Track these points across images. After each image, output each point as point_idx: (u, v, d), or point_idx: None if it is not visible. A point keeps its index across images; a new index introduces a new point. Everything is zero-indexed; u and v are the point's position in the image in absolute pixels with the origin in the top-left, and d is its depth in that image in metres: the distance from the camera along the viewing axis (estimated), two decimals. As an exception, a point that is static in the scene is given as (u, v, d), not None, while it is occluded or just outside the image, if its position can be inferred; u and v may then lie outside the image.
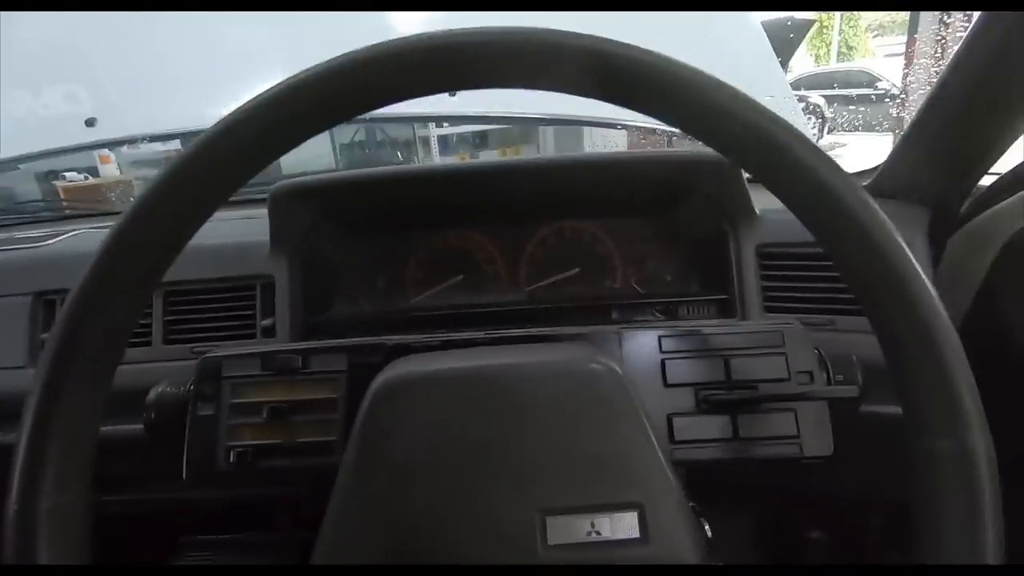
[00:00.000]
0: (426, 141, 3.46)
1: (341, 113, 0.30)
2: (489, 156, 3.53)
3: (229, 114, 0.29)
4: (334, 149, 3.06)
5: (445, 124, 3.34)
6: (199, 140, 0.29)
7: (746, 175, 0.70)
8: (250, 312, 0.75)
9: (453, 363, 0.40)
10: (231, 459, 0.50)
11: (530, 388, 0.38)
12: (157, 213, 0.30)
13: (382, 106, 0.31)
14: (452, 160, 3.14)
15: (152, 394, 0.55)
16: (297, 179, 0.72)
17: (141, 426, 0.63)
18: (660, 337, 0.52)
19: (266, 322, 0.74)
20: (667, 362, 0.51)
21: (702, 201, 0.74)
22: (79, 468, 0.31)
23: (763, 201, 0.73)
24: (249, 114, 0.29)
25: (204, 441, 0.51)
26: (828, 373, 0.52)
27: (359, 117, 0.30)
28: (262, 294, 0.75)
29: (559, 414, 0.37)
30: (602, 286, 0.85)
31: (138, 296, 0.32)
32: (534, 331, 0.55)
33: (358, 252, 0.85)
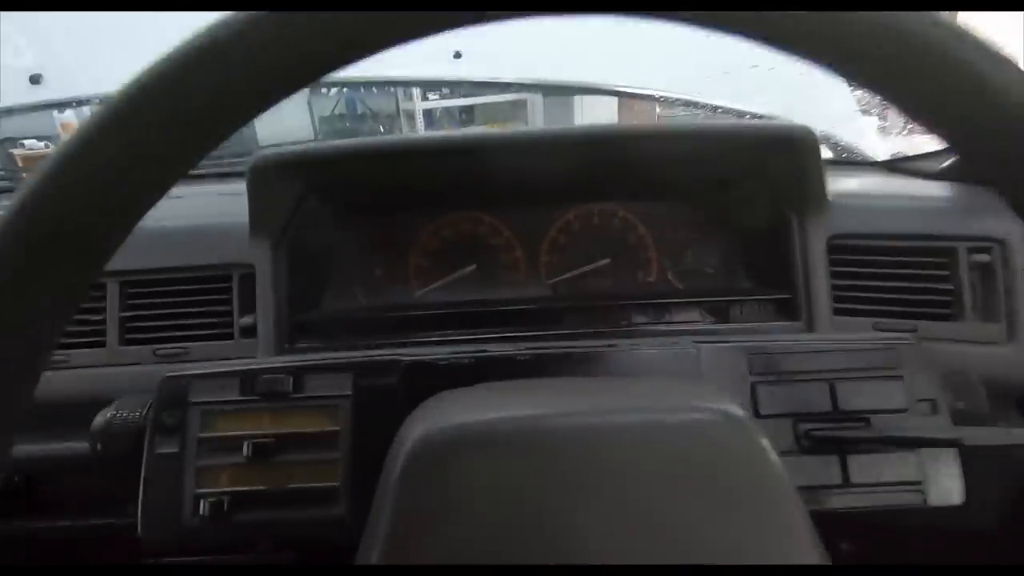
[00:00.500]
0: (411, 114, 3.28)
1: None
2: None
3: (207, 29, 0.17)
4: (313, 121, 2.89)
5: (432, 95, 3.18)
6: (156, 68, 0.18)
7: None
8: (226, 308, 0.63)
9: (517, 410, 0.29)
10: (201, 511, 0.39)
11: (630, 450, 0.27)
12: (90, 173, 0.18)
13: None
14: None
15: (99, 420, 0.43)
16: (282, 149, 0.59)
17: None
18: (749, 355, 0.41)
19: (245, 320, 0.62)
20: (758, 387, 0.41)
21: (762, 183, 0.63)
22: None
23: (832, 186, 0.62)
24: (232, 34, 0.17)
25: (165, 488, 0.39)
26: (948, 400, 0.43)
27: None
28: (240, 286, 0.62)
29: (673, 486, 0.27)
30: (634, 280, 0.74)
31: (59, 294, 0.20)
32: (586, 346, 0.45)
33: (353, 237, 0.73)
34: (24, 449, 0.61)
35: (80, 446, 0.59)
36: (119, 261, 0.62)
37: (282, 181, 0.61)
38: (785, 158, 0.59)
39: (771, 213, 0.63)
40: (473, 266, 0.74)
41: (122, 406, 0.44)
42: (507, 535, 0.26)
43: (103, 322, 0.62)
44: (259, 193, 0.60)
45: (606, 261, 0.74)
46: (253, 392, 0.41)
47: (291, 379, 0.41)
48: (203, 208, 0.70)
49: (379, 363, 0.42)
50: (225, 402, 0.41)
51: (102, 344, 0.62)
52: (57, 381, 0.61)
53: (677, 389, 0.33)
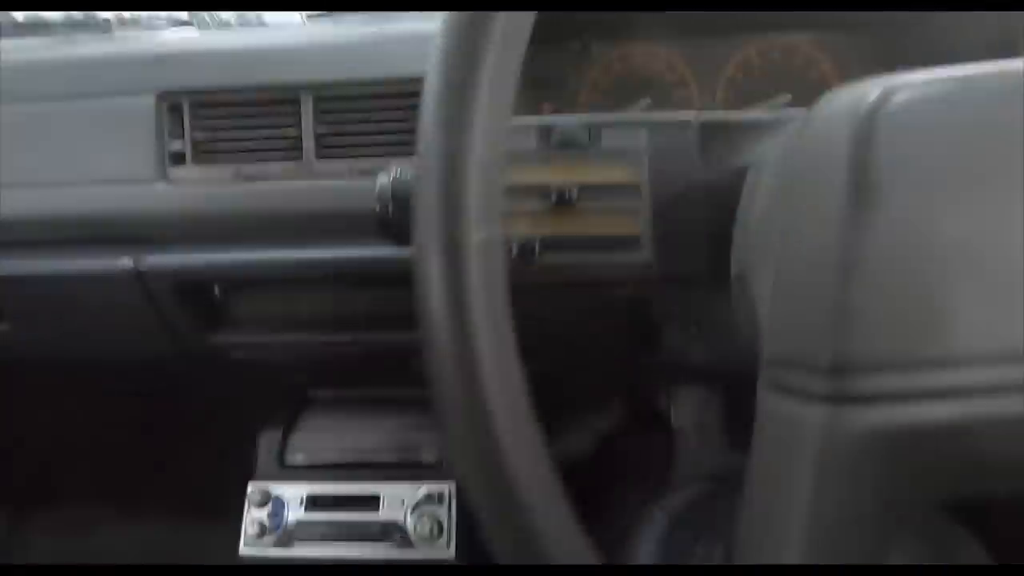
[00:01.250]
0: None
1: None
2: None
3: None
4: None
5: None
6: None
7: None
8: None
9: None
10: (512, 252, 0.39)
11: None
12: None
13: None
14: None
15: (383, 179, 0.43)
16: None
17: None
18: None
19: None
20: None
21: None
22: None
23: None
24: None
25: None
26: None
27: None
28: None
29: None
30: None
31: None
32: None
33: (525, 69, 0.71)
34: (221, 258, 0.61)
35: (278, 257, 0.60)
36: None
37: None
38: None
39: (999, 28, 0.59)
40: (648, 100, 0.72)
41: (401, 166, 0.44)
42: None
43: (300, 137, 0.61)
44: None
45: (787, 97, 0.71)
46: (549, 144, 0.41)
47: (587, 132, 0.41)
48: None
49: (672, 123, 0.41)
50: (523, 152, 0.41)
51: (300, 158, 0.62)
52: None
53: None
